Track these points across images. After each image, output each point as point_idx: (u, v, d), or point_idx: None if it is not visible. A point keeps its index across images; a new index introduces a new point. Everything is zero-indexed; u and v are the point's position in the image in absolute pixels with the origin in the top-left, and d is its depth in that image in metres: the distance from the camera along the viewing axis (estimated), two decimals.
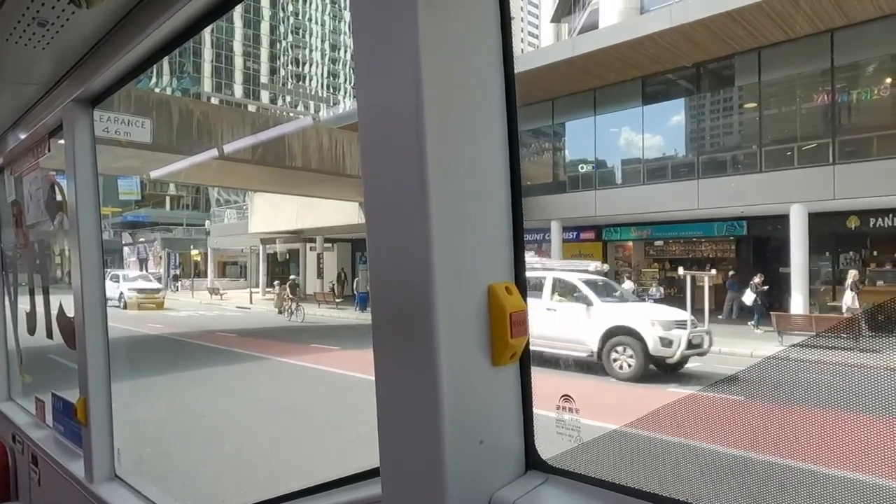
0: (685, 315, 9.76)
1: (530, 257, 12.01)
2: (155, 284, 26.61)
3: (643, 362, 9.07)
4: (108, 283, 20.39)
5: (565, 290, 10.67)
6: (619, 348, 9.28)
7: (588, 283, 10.56)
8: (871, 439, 0.82)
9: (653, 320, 9.27)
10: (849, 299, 12.78)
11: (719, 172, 15.92)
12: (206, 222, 37.07)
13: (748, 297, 14.71)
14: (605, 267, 11.48)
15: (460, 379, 0.89)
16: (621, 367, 9.18)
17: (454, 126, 0.89)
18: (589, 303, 10.12)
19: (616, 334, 9.39)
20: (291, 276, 25.09)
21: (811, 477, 0.86)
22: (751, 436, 1.00)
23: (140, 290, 24.40)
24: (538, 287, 10.60)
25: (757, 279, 14.63)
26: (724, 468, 0.98)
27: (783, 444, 0.94)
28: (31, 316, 2.90)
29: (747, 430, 1.02)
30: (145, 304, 23.76)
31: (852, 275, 13.52)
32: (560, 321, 9.87)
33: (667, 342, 9.03)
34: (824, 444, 0.90)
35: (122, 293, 24.08)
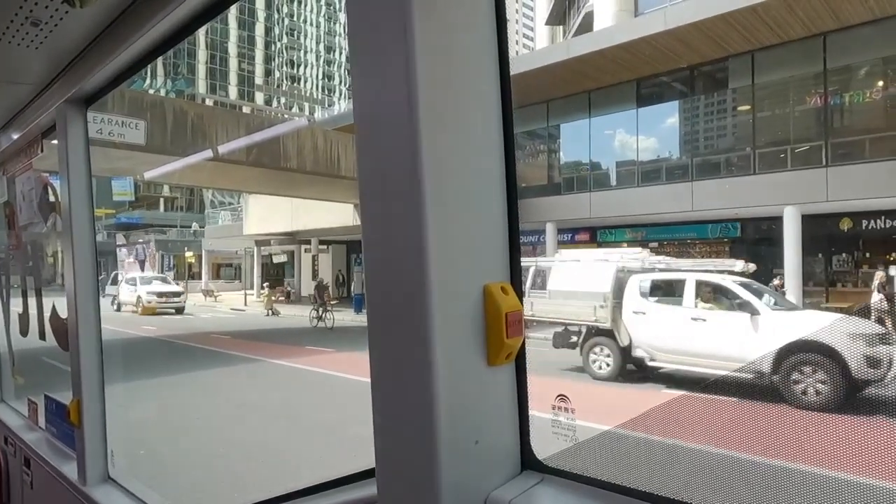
0: (878, 326, 7.77)
1: (650, 255, 10.63)
2: (175, 287, 24.59)
3: (842, 388, 6.69)
4: (125, 288, 19.68)
5: (713, 296, 9.03)
6: (804, 369, 7.23)
7: (744, 286, 8.73)
8: (859, 440, 0.83)
9: (852, 333, 6.88)
10: (876, 301, 11.97)
11: (713, 174, 16.00)
12: (193, 224, 36.60)
13: None
14: (752, 267, 9.52)
15: (456, 379, 0.89)
16: (805, 393, 7.10)
17: (450, 127, 0.89)
18: (754, 311, 8.30)
19: (798, 351, 7.30)
20: (319, 277, 24.04)
21: (799, 476, 0.86)
22: (741, 436, 1.00)
23: (160, 294, 22.42)
24: (672, 292, 9.20)
25: (776, 281, 13.89)
26: (716, 467, 0.98)
27: (772, 444, 0.94)
28: (24, 317, 2.88)
29: (737, 431, 1.03)
30: (164, 308, 21.96)
31: (879, 276, 12.95)
32: (713, 334, 8.31)
33: (874, 361, 6.59)
34: (812, 445, 0.91)
35: (139, 297, 22.24)
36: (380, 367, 0.93)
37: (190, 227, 38.02)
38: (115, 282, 23.64)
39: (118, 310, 22.68)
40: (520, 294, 0.99)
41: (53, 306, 2.51)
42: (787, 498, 0.88)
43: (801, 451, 0.92)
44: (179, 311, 22.53)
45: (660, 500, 0.89)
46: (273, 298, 23.81)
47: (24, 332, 2.89)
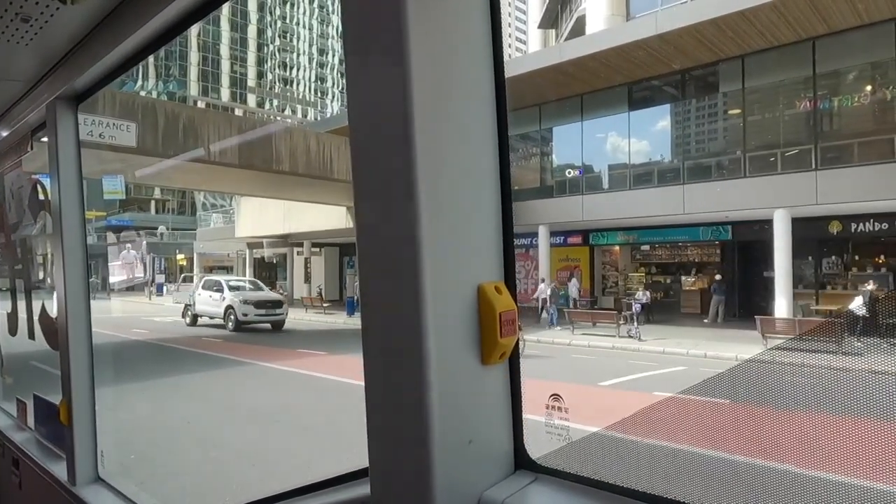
0: None
1: None
2: (273, 294, 19.32)
3: None
4: (204, 295, 15.62)
5: None
6: None
7: None
8: (848, 441, 0.83)
9: None
10: None
11: (705, 177, 16.11)
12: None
13: (857, 306, 11.58)
14: None
15: (449, 378, 0.88)
16: None
17: (444, 127, 0.90)
18: None
19: None
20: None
21: (787, 475, 0.87)
22: (733, 437, 1.01)
23: (258, 304, 17.16)
24: None
25: (870, 286, 13.07)
26: (708, 467, 0.99)
27: (764, 445, 0.95)
28: (13, 317, 2.86)
29: (729, 432, 1.04)
30: (262, 323, 17.34)
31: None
32: None
33: None
34: (799, 445, 0.91)
35: (229, 307, 17.01)
36: (374, 366, 0.93)
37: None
38: (174, 284, 19.94)
39: (192, 323, 18.04)
40: (514, 294, 0.99)
41: (43, 305, 2.49)
42: (774, 497, 0.89)
43: (787, 451, 0.93)
44: (278, 326, 17.69)
45: (652, 498, 0.89)
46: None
47: (12, 331, 2.87)
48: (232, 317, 16.91)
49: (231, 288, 17.84)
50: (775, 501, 0.88)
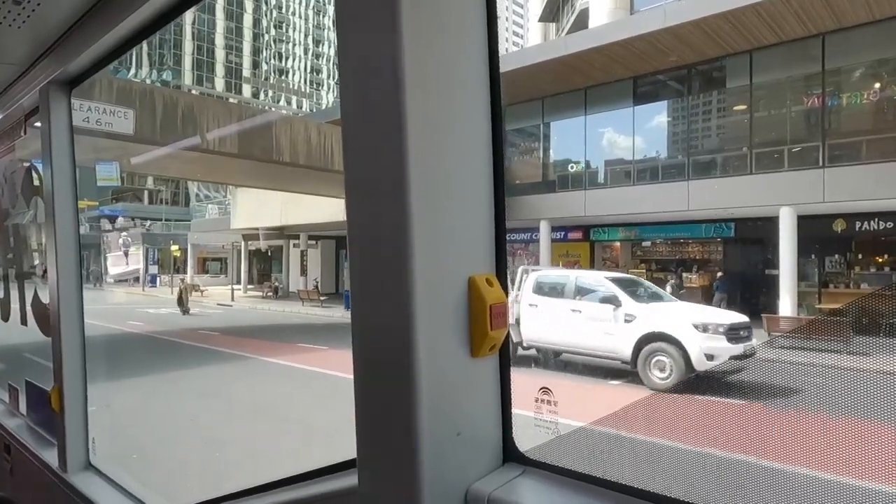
0: None
1: None
2: (731, 313, 9.98)
3: None
4: (546, 305, 8.00)
5: None
6: None
7: None
8: (834, 439, 0.84)
9: None
10: None
11: (709, 174, 16.04)
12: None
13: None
14: None
15: (439, 370, 0.89)
16: None
17: (436, 120, 0.90)
18: None
19: None
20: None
21: (767, 471, 0.91)
22: (715, 433, 1.02)
23: (734, 330, 8.92)
24: None
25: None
26: (691, 462, 1.00)
27: (746, 441, 0.96)
28: (5, 302, 2.86)
29: (712, 428, 1.05)
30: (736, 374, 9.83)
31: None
32: None
33: None
34: (781, 441, 0.92)
35: (663, 340, 8.28)
36: (363, 356, 0.93)
37: (186, 220, 36.92)
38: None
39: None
40: (505, 286, 0.99)
41: (35, 292, 2.49)
42: (752, 491, 0.91)
43: (768, 446, 0.94)
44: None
45: (637, 492, 0.89)
46: (189, 295, 20.62)
47: (4, 317, 2.87)
48: (673, 363, 7.98)
49: (629, 291, 8.99)
50: (753, 495, 0.90)
